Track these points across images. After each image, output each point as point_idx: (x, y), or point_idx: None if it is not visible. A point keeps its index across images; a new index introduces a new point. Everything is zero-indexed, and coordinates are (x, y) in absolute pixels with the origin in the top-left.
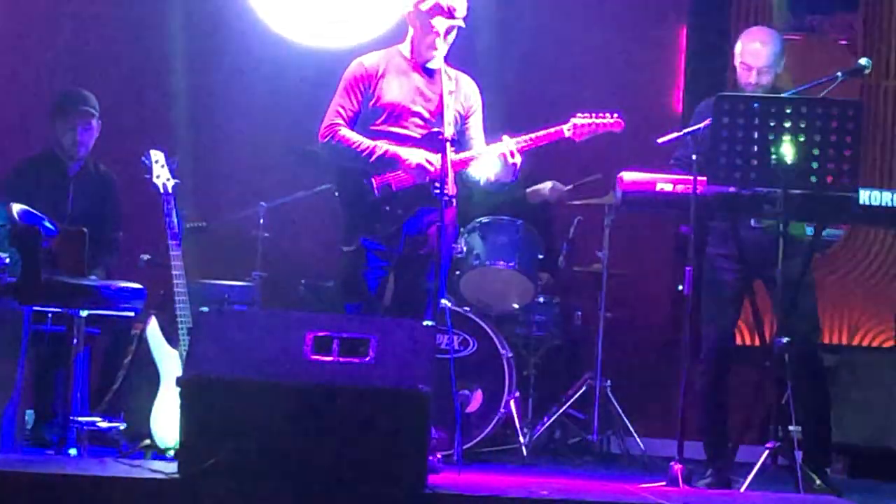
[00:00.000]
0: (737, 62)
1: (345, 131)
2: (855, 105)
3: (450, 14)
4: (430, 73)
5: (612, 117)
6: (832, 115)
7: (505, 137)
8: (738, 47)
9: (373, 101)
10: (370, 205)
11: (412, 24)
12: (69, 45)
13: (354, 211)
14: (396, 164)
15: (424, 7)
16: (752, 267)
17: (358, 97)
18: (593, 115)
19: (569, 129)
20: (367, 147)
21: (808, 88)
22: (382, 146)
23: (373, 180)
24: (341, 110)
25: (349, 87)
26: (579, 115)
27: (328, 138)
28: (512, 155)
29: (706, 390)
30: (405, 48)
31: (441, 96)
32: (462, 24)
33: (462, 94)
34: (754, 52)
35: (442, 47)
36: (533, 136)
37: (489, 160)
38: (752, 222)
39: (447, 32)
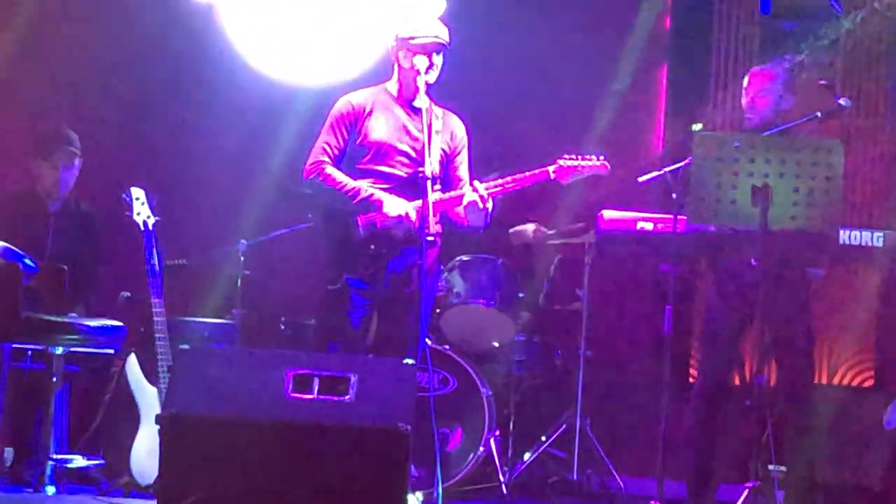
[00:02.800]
0: (744, 96)
1: (330, 170)
2: (835, 145)
3: (422, 45)
4: (416, 111)
5: (597, 160)
6: (812, 155)
7: (475, 182)
8: (745, 80)
9: (359, 138)
10: (355, 243)
11: (396, 60)
12: (51, 81)
13: (339, 249)
14: (378, 209)
15: (405, 43)
16: (752, 306)
17: (344, 134)
18: (579, 157)
19: (554, 171)
20: (352, 188)
21: (787, 128)
22: (367, 189)
23: (357, 219)
24: (327, 147)
25: (335, 124)
26: (565, 156)
27: (313, 176)
28: (483, 201)
29: (696, 428)
30: (392, 85)
31: (431, 136)
32: (444, 39)
33: (449, 133)
34: (758, 82)
35: (423, 84)
36: (518, 177)
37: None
38: (753, 261)
39: (432, 54)
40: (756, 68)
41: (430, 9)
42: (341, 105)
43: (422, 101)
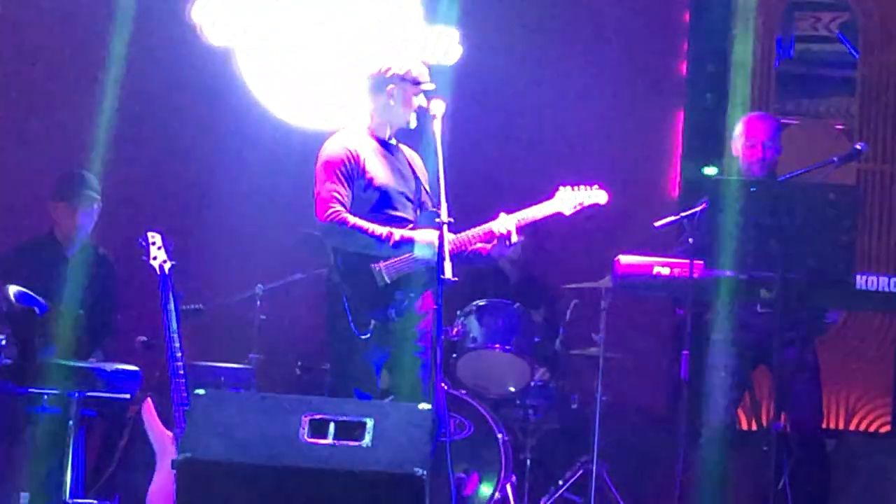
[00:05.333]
0: (738, 144)
1: (354, 218)
2: (852, 190)
3: (417, 83)
4: (394, 150)
5: (595, 188)
6: (829, 200)
7: (502, 215)
8: (737, 128)
9: (364, 183)
10: (382, 290)
11: (380, 96)
12: (67, 124)
13: (364, 296)
14: (411, 247)
15: (406, 83)
16: (756, 352)
17: (350, 182)
18: (578, 187)
19: (562, 205)
20: (382, 233)
21: (805, 173)
22: (397, 231)
23: (380, 265)
24: (338, 196)
25: (340, 172)
26: (563, 188)
27: (339, 225)
28: (510, 233)
29: (706, 474)
30: (368, 124)
31: (414, 172)
32: (433, 86)
33: (420, 167)
34: (756, 128)
35: (439, 128)
36: (529, 215)
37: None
38: (758, 307)
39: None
40: (749, 116)
41: (446, 55)
42: (339, 151)
43: (393, 139)
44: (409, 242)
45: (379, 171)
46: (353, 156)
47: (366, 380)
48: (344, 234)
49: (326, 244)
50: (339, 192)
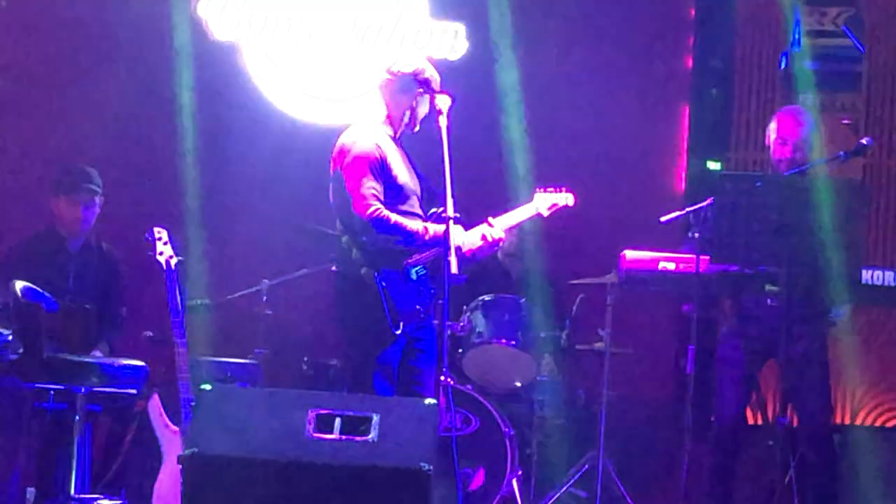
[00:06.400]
0: (770, 139)
1: (395, 215)
2: (858, 184)
3: (437, 92)
4: (402, 146)
5: (564, 191)
6: (835, 194)
7: (491, 219)
8: (772, 124)
9: (387, 179)
10: (413, 284)
11: (405, 96)
12: (73, 118)
13: (397, 291)
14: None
15: (421, 83)
16: (767, 346)
17: (381, 177)
18: (550, 190)
19: (540, 207)
20: (419, 229)
21: (811, 167)
22: (431, 226)
23: (408, 261)
24: (376, 193)
25: (375, 167)
26: (539, 191)
27: (384, 222)
28: (500, 240)
29: (715, 468)
30: (383, 119)
31: (415, 168)
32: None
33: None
34: (789, 127)
35: (444, 124)
36: (513, 219)
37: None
38: (769, 301)
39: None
40: (784, 112)
41: (452, 52)
42: (371, 147)
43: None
44: (439, 239)
45: (400, 167)
46: (382, 151)
47: (388, 374)
48: (387, 232)
49: (355, 240)
50: (376, 189)
